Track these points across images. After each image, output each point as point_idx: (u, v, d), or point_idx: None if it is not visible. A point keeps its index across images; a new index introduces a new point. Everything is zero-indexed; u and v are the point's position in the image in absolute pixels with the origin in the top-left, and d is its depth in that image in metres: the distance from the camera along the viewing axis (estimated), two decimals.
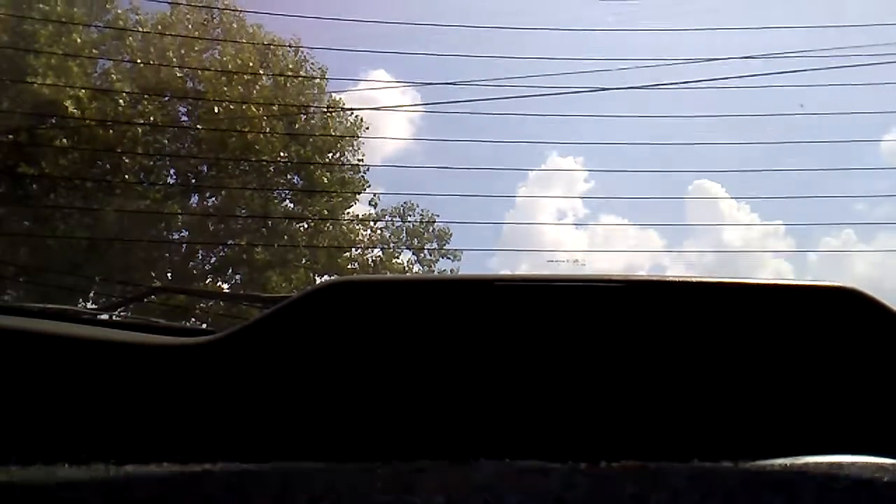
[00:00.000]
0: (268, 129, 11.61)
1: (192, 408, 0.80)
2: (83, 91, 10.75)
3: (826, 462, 0.66)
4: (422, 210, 13.17)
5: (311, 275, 12.15)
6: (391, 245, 13.21)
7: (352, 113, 12.51)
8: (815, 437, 0.75)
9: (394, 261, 13.04)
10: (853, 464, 0.63)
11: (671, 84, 10.54)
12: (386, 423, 0.78)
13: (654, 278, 0.86)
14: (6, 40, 10.71)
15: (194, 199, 12.44)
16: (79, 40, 11.21)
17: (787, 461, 0.67)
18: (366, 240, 13.12)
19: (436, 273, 12.26)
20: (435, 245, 13.31)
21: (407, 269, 12.96)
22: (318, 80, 12.47)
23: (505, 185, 19.25)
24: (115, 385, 0.81)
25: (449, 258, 13.25)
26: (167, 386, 0.81)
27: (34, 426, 0.78)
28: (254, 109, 11.44)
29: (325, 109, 12.50)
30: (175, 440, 0.78)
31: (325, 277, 11.76)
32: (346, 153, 12.63)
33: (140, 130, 11.21)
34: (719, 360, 0.80)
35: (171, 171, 12.20)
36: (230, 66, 11.61)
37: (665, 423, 0.78)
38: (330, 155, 12.44)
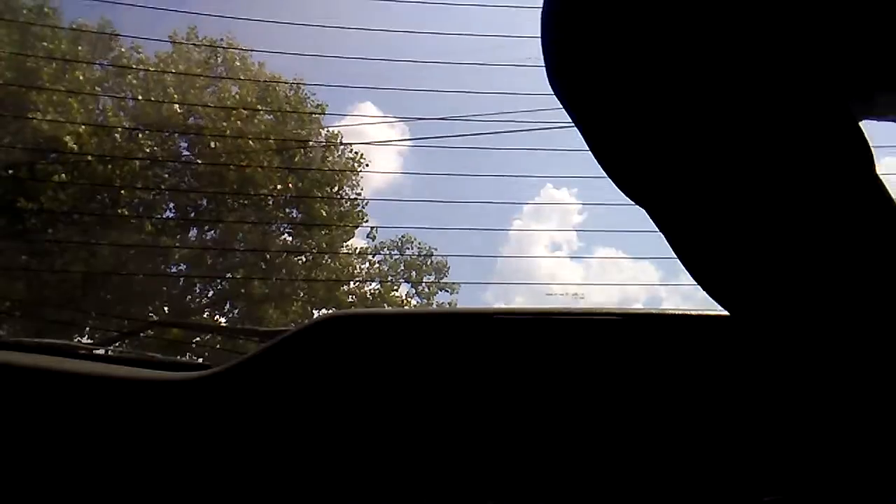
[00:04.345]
0: (266, 163, 11.69)
1: (188, 443, 0.79)
2: (83, 127, 10.86)
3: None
4: (419, 243, 13.19)
5: (309, 308, 12.10)
6: (389, 278, 13.19)
7: (350, 148, 12.62)
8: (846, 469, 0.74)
9: (392, 294, 12.99)
10: None
11: None
12: (385, 462, 0.77)
13: (654, 311, 0.86)
14: (9, 77, 10.85)
15: (193, 232, 12.47)
16: (81, 77, 11.36)
17: None
18: (364, 273, 13.10)
19: (434, 306, 12.21)
20: (433, 278, 13.29)
21: (405, 302, 12.92)
22: (316, 116, 12.61)
23: (500, 217, 19.37)
24: (112, 420, 0.80)
25: (447, 291, 13.22)
26: (164, 421, 0.80)
27: (29, 462, 0.77)
28: (252, 144, 11.55)
29: (324, 144, 12.62)
30: (171, 477, 0.77)
31: (323, 311, 11.72)
32: (344, 187, 12.70)
33: (139, 165, 11.29)
34: (722, 393, 0.80)
35: (170, 205, 12.24)
36: (230, 103, 11.75)
37: (670, 460, 0.77)
38: (328, 189, 12.51)
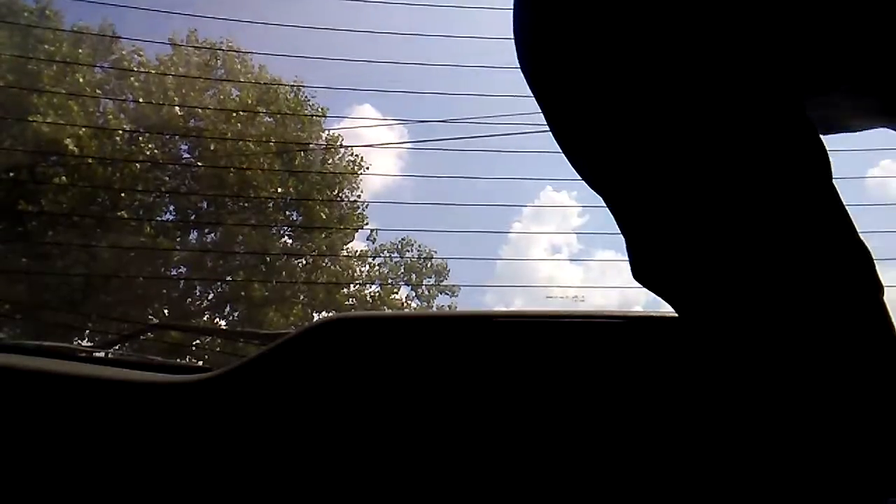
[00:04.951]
0: (266, 166, 11.71)
1: (188, 446, 0.79)
2: (84, 129, 10.88)
3: None
4: (419, 246, 13.19)
5: (309, 311, 12.10)
6: (389, 281, 13.18)
7: (350, 151, 12.62)
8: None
9: (392, 296, 12.99)
10: None
11: None
12: (385, 465, 0.77)
13: (655, 314, 0.86)
14: (10, 79, 10.87)
15: (193, 234, 12.48)
16: (82, 80, 11.38)
17: None
18: (364, 276, 13.10)
19: (434, 309, 12.21)
20: (433, 280, 13.29)
21: (405, 304, 12.91)
22: (317, 118, 12.63)
23: (500, 220, 19.41)
24: (112, 423, 0.80)
25: (447, 293, 13.22)
26: (164, 424, 0.80)
27: (28, 465, 0.77)
28: (252, 147, 11.57)
29: (325, 146, 12.64)
30: (171, 480, 0.76)
31: (324, 314, 11.72)
32: (344, 190, 12.71)
33: (139, 167, 11.31)
34: (725, 397, 0.79)
35: (171, 208, 12.25)
36: (230, 106, 11.77)
37: (671, 466, 0.77)
38: (329, 191, 12.52)
